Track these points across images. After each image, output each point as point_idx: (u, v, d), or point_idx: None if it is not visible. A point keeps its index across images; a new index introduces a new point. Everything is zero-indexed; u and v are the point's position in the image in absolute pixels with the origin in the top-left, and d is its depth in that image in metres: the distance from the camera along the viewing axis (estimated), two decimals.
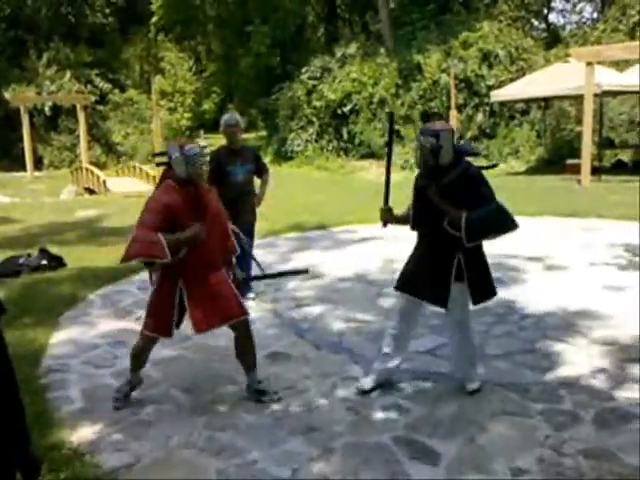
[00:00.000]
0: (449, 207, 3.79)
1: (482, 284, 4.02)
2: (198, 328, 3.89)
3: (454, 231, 3.79)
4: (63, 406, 4.12)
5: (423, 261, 4.03)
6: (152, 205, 3.77)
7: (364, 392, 4.17)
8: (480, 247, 3.99)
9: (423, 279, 4.00)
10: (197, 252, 3.79)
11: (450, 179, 3.82)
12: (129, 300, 6.37)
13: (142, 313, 5.93)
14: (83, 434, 3.76)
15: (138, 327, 5.56)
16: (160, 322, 3.92)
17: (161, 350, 4.96)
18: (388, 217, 4.16)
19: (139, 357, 4.08)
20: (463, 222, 3.72)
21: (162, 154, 4.02)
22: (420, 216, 4.02)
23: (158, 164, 4.06)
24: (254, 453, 3.51)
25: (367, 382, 4.24)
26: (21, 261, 7.25)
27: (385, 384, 4.26)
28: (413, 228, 4.12)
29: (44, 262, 7.24)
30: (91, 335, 5.40)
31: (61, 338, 5.36)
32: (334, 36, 23.42)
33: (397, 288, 4.18)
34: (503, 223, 3.87)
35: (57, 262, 7.31)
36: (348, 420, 3.86)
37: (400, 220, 4.17)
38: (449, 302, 4.00)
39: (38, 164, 19.68)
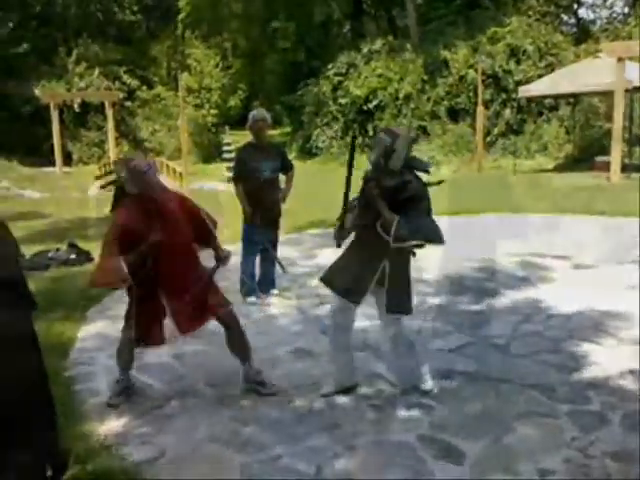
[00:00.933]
0: (385, 207, 3.79)
1: (399, 296, 3.98)
2: (186, 331, 4.02)
3: (385, 234, 3.79)
4: (90, 398, 4.19)
5: (351, 257, 4.05)
6: (112, 231, 3.83)
7: (324, 396, 4.12)
8: (408, 262, 4.01)
9: (346, 273, 4.01)
10: (165, 261, 3.85)
11: (393, 183, 3.82)
12: None
13: None
14: (109, 426, 3.81)
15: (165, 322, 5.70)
16: (153, 336, 4.02)
17: (185, 344, 5.03)
18: (342, 236, 4.10)
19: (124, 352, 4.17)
20: (394, 225, 3.74)
21: (108, 173, 4.21)
22: (360, 212, 4.02)
23: (107, 184, 4.15)
24: (278, 448, 3.53)
25: (326, 388, 4.18)
26: (50, 255, 7.38)
27: (351, 387, 4.19)
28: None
29: (72, 256, 7.35)
30: (118, 329, 5.41)
31: (89, 331, 5.45)
32: (360, 32, 23.31)
33: (321, 279, 4.20)
34: (432, 234, 3.88)
35: (85, 256, 7.41)
36: (372, 418, 3.85)
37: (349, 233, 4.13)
38: (380, 308, 4.03)
39: (67, 160, 19.96)
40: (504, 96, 20.00)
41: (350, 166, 4.31)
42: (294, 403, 4.06)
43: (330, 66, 20.79)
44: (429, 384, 4.14)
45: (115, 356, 4.23)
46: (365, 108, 20.06)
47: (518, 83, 19.08)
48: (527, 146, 20.09)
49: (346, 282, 4.01)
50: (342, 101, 20.10)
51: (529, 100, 19.63)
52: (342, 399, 4.09)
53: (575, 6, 38.82)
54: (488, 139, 19.91)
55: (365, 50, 20.99)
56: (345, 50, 21.87)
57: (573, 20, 37.08)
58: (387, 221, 3.78)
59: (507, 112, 20.10)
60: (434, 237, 3.90)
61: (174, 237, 3.88)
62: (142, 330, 3.98)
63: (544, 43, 20.33)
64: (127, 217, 3.83)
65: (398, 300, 3.99)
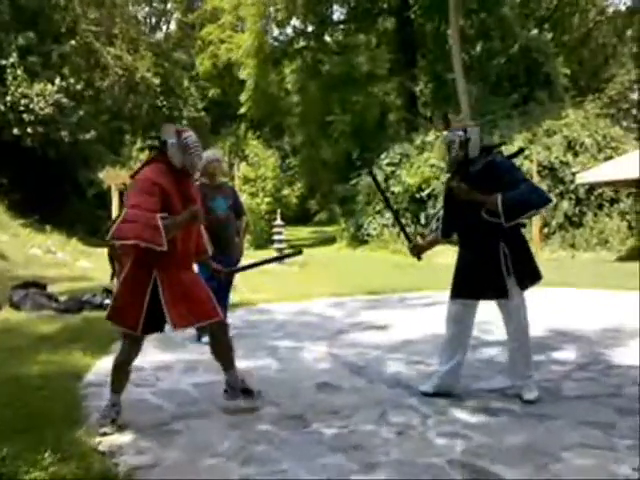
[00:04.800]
0: (480, 196, 3.85)
1: (527, 268, 4.00)
2: (177, 325, 3.58)
3: (492, 217, 3.82)
4: (95, 414, 3.87)
5: (471, 262, 4.05)
6: (146, 185, 3.44)
7: (425, 395, 4.10)
8: (521, 234, 4.06)
9: (478, 279, 3.98)
10: (175, 245, 3.49)
11: (477, 168, 3.93)
12: (184, 335, 6.15)
13: (193, 346, 5.82)
14: (109, 438, 3.48)
15: (188, 357, 5.42)
16: (129, 314, 3.51)
17: (204, 374, 4.76)
18: (418, 250, 4.36)
19: (120, 367, 3.69)
20: (499, 202, 3.77)
21: (154, 138, 3.97)
22: (455, 218, 4.11)
23: (150, 147, 3.88)
24: (286, 464, 3.12)
25: (427, 385, 4.16)
26: (84, 298, 7.28)
27: (447, 394, 4.11)
28: (444, 236, 4.23)
29: (107, 301, 7.22)
30: (138, 361, 5.12)
31: (108, 361, 5.16)
32: (413, 125, 23.73)
33: (453, 297, 4.12)
34: (538, 200, 3.91)
35: None
36: (397, 442, 3.40)
37: (428, 246, 4.41)
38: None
39: None
40: (562, 187, 19.61)
41: (385, 196, 5.08)
42: (310, 427, 3.64)
43: (383, 156, 21.05)
44: (532, 394, 3.98)
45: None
46: (418, 196, 20.00)
47: (576, 175, 18.73)
48: (587, 239, 19.41)
49: (480, 283, 3.96)
50: (394, 190, 20.12)
51: (588, 192, 19.17)
52: (366, 425, 3.65)
53: (635, 111, 39.13)
54: (546, 231, 19.36)
55: (418, 141, 21.23)
56: (398, 142, 22.21)
57: (633, 125, 37.13)
58: (491, 204, 3.81)
59: (565, 204, 19.62)
60: (543, 201, 3.99)
61: (188, 228, 3.64)
62: (117, 309, 3.57)
63: (602, 136, 20.07)
64: (164, 181, 3.47)
65: (528, 272, 3.99)
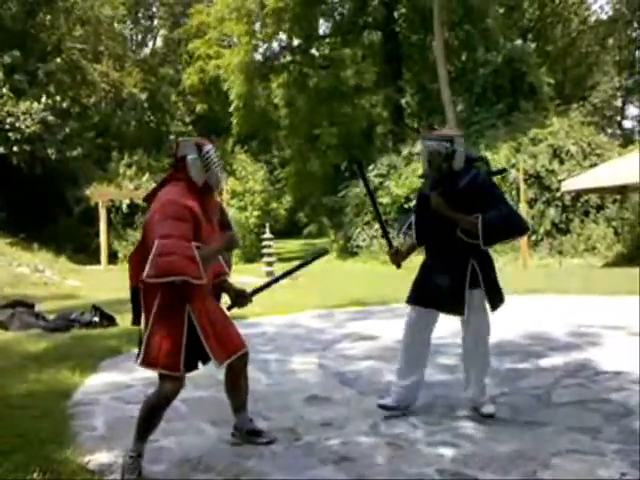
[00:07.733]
0: (458, 215, 3.73)
1: (497, 289, 3.95)
2: (220, 361, 3.22)
3: (469, 238, 3.73)
4: (84, 432, 3.87)
5: (435, 271, 3.93)
6: (175, 210, 3.03)
7: (384, 408, 3.97)
8: (489, 253, 3.98)
9: (438, 289, 3.86)
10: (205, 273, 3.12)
11: (463, 184, 3.80)
12: None
13: None
14: (98, 457, 3.47)
15: None
16: (165, 354, 3.06)
17: (193, 390, 4.71)
18: (398, 258, 4.14)
19: (157, 411, 3.20)
20: (480, 226, 3.66)
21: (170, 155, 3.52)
22: (426, 227, 3.96)
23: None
24: (277, 477, 3.12)
25: (387, 400, 4.02)
26: (73, 316, 7.25)
27: (407, 408, 4.01)
28: (420, 243, 4.08)
29: (96, 319, 7.20)
30: (127, 378, 5.16)
31: (97, 379, 5.18)
32: (401, 137, 23.89)
33: (409, 302, 4.01)
34: (518, 227, 3.90)
35: (109, 321, 7.24)
36: (387, 453, 3.41)
37: (408, 253, 4.19)
38: (468, 310, 3.84)
39: (113, 258, 20.37)
40: (548, 195, 19.78)
41: (370, 192, 4.92)
42: (301, 440, 3.64)
43: (371, 168, 21.14)
44: (490, 408, 3.90)
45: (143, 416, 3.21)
46: (406, 207, 20.07)
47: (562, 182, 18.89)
48: (574, 245, 19.55)
49: (439, 296, 3.86)
50: (383, 201, 20.19)
51: (574, 199, 19.32)
52: (357, 437, 3.66)
53: (619, 118, 39.65)
54: (533, 238, 19.49)
55: (405, 152, 21.35)
56: (385, 154, 22.33)
57: (618, 131, 37.61)
58: (470, 225, 3.70)
59: (552, 211, 19.77)
60: (522, 229, 3.95)
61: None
62: (152, 351, 3.09)
63: (587, 144, 20.27)
64: (190, 201, 3.11)
65: (497, 292, 3.94)
